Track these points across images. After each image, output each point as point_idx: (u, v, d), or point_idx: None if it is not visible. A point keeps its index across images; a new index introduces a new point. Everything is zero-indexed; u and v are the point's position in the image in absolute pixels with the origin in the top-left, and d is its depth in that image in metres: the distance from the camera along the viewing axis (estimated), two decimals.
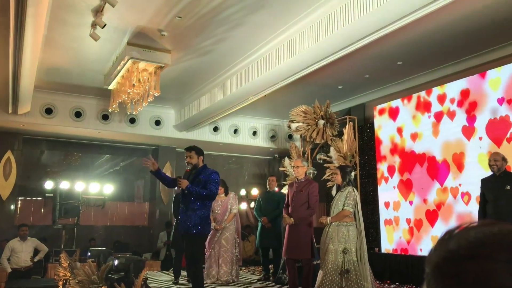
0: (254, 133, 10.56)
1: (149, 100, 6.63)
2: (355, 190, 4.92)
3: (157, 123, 9.69)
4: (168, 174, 10.49)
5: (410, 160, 7.17)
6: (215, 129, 10.16)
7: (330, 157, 7.42)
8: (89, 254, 6.68)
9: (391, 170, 7.53)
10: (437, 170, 6.68)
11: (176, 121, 9.72)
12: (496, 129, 5.87)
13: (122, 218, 11.05)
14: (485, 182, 4.95)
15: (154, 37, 6.11)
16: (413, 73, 7.40)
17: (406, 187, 7.19)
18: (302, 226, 5.09)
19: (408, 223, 7.06)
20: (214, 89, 7.90)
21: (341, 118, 7.82)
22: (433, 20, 5.23)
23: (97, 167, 12.17)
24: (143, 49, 6.23)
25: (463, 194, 6.23)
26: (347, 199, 4.80)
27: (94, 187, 9.55)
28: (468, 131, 6.24)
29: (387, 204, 7.52)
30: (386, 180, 7.60)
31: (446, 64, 6.96)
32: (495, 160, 4.81)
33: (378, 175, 7.76)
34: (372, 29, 4.72)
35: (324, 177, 7.25)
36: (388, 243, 7.43)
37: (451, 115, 6.52)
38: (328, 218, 4.84)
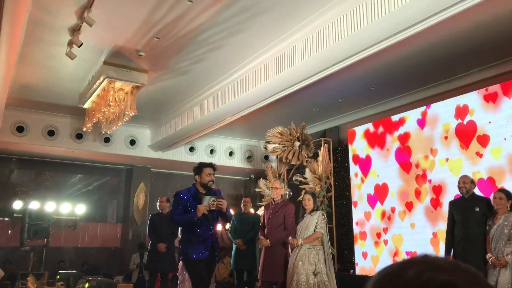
0: (231, 153, 10.57)
1: (125, 120, 6.57)
2: (324, 214, 5.14)
3: (132, 142, 9.58)
4: (142, 194, 10.37)
5: (379, 187, 7.29)
6: (191, 149, 10.11)
7: (305, 178, 7.48)
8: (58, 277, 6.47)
9: (365, 197, 7.61)
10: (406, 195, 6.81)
11: (152, 141, 9.64)
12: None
13: (94, 239, 10.76)
14: (453, 204, 5.08)
15: (131, 57, 6.10)
16: (386, 97, 7.59)
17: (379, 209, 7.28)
18: (278, 247, 5.09)
19: (385, 244, 7.13)
20: (191, 109, 7.91)
21: (317, 140, 7.94)
22: (406, 46, 5.40)
23: (70, 186, 11.89)
24: (120, 69, 6.20)
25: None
26: (319, 222, 4.97)
27: (66, 207, 9.30)
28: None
29: (361, 225, 7.59)
30: (361, 202, 7.68)
31: (418, 89, 7.16)
32: (464, 182, 4.95)
33: (353, 197, 7.83)
34: (347, 54, 4.85)
35: (299, 199, 7.28)
36: (364, 264, 7.47)
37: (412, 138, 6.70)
38: (300, 240, 4.92)
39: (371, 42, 4.54)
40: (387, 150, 7.27)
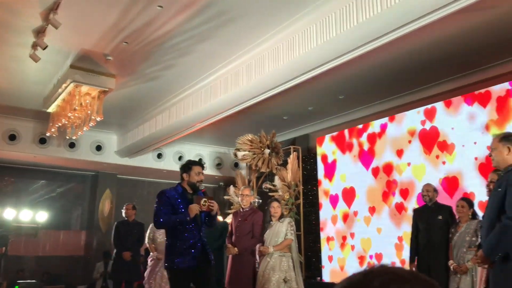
0: (200, 160, 10.48)
1: (90, 125, 6.42)
2: (292, 221, 5.17)
3: (98, 148, 9.37)
4: (108, 201, 10.13)
5: (347, 192, 7.39)
6: (159, 155, 9.97)
7: (275, 186, 7.50)
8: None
9: (332, 200, 7.70)
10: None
11: (119, 147, 9.45)
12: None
13: (56, 248, 10.41)
14: (417, 212, 5.20)
15: (99, 61, 5.98)
16: (354, 106, 7.72)
17: (347, 217, 7.37)
18: (246, 256, 5.06)
19: (352, 248, 7.21)
20: (160, 115, 7.80)
21: (286, 148, 7.98)
22: (374, 57, 5.51)
23: (31, 193, 11.46)
24: (87, 73, 6.06)
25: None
26: (289, 229, 4.96)
27: (26, 214, 8.98)
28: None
29: (328, 229, 7.66)
30: (328, 206, 7.75)
31: (386, 99, 7.32)
32: (428, 191, 5.08)
33: (320, 201, 7.89)
34: (316, 64, 4.91)
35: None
36: (330, 268, 7.53)
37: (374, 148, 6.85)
38: (271, 248, 4.90)
39: (340, 52, 4.62)
40: (354, 156, 7.37)
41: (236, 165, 10.68)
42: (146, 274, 6.30)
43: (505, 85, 5.48)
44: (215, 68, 6.24)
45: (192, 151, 10.39)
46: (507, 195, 2.58)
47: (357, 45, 4.41)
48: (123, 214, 6.84)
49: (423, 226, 4.99)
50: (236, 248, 5.03)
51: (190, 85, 6.83)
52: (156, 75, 6.50)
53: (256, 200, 7.55)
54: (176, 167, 10.11)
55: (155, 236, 6.31)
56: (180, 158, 10.18)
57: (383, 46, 4.47)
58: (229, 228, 5.42)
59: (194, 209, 3.63)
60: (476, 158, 5.68)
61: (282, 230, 5.00)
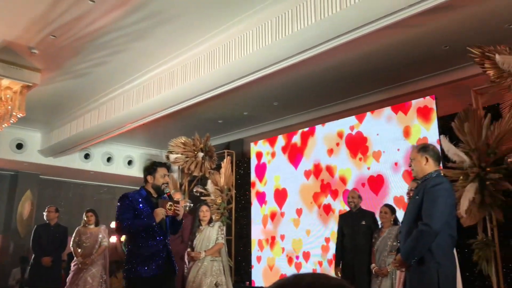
0: (130, 162, 10.16)
1: (11, 121, 5.99)
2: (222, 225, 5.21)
3: (19, 146, 8.77)
4: (28, 203, 9.52)
5: (278, 195, 7.53)
6: (86, 156, 9.53)
7: (207, 190, 7.45)
8: None
9: (263, 201, 7.79)
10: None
11: (42, 146, 8.91)
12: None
13: None
14: (342, 217, 5.42)
15: (23, 54, 5.61)
16: (288, 113, 7.89)
17: (276, 222, 7.49)
18: (175, 261, 4.96)
19: (282, 248, 7.33)
20: (88, 114, 7.47)
21: (220, 152, 7.96)
22: (308, 66, 5.67)
23: None
24: (9, 66, 5.68)
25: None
26: (219, 233, 4.93)
27: None
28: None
29: (258, 230, 7.73)
30: (259, 206, 7.83)
31: (318, 107, 7.56)
32: (353, 197, 5.30)
33: (252, 211, 7.95)
34: (252, 69, 4.96)
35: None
36: (262, 272, 7.60)
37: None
38: (203, 253, 4.86)
39: (275, 60, 4.71)
40: (286, 158, 7.52)
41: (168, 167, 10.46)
42: (68, 279, 5.97)
43: (428, 98, 5.85)
44: (149, 67, 6.10)
45: (122, 152, 10.05)
46: (423, 202, 2.76)
47: (292, 54, 4.52)
48: (45, 217, 6.45)
49: (348, 231, 5.19)
50: None
51: (122, 84, 6.62)
52: (85, 71, 6.21)
53: (188, 204, 7.44)
54: (104, 168, 9.74)
55: (81, 240, 6.02)
56: (108, 159, 9.81)
57: (317, 56, 4.62)
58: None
59: (160, 213, 3.40)
60: (396, 163, 6.01)
61: (213, 235, 4.97)
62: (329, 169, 6.87)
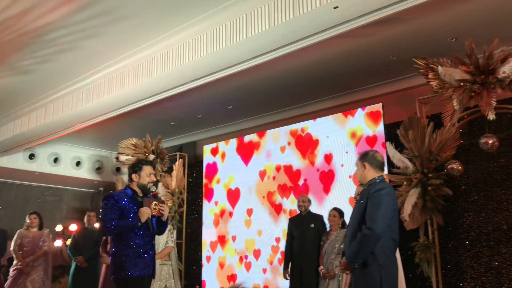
0: (78, 163, 9.82)
1: None
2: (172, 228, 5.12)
3: None
4: None
5: (231, 195, 7.54)
6: (31, 156, 9.11)
7: (158, 193, 7.33)
8: None
9: (215, 202, 7.77)
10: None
11: None
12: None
13: None
14: (292, 220, 5.51)
15: None
16: (242, 117, 7.92)
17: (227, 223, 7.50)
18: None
19: (233, 248, 7.33)
20: (34, 112, 7.15)
21: (172, 154, 7.86)
22: (262, 71, 5.73)
23: None
24: None
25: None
26: (169, 237, 4.89)
27: None
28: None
29: (210, 230, 7.71)
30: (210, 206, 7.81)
31: (272, 112, 7.64)
32: (303, 201, 5.41)
33: (204, 213, 7.91)
34: (206, 72, 4.95)
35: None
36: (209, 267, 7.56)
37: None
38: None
39: (229, 63, 4.72)
40: (240, 158, 7.54)
41: (118, 169, 10.21)
42: (6, 285, 5.69)
43: (375, 106, 6.06)
44: (100, 67, 5.93)
45: (69, 153, 9.69)
46: (367, 207, 2.87)
47: (246, 58, 4.56)
48: None
49: (297, 234, 5.27)
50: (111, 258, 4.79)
51: (71, 83, 6.39)
52: (31, 68, 5.94)
53: None
54: (50, 169, 9.35)
55: (22, 243, 5.75)
56: (55, 160, 9.43)
57: (271, 61, 4.67)
58: (104, 236, 5.14)
59: (145, 213, 3.30)
60: (342, 165, 6.21)
61: (162, 238, 4.91)
62: (280, 169, 6.95)
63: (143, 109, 6.38)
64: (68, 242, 7.80)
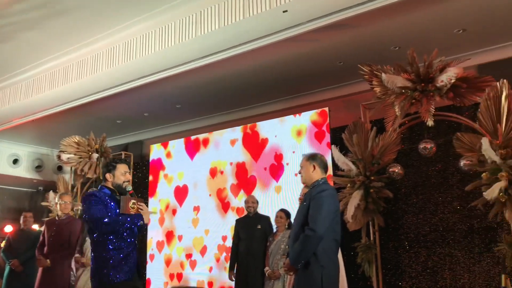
0: (15, 161, 9.30)
1: None
2: None
3: None
4: None
5: (178, 193, 7.45)
6: None
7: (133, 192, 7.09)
8: None
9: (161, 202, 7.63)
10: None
11: None
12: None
13: None
14: (239, 222, 5.51)
15: None
16: (190, 117, 7.83)
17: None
18: (60, 268, 4.64)
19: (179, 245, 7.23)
20: None
21: (117, 154, 7.64)
22: (212, 71, 5.68)
23: None
24: None
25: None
26: None
27: None
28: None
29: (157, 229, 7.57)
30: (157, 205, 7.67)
31: (222, 112, 7.61)
32: (253, 202, 5.42)
33: (149, 201, 7.73)
34: (152, 70, 4.88)
35: None
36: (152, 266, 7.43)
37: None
38: None
39: (178, 62, 4.68)
40: (187, 155, 7.44)
41: (59, 168, 9.78)
42: None
43: (322, 110, 6.18)
44: (41, 60, 5.68)
45: (6, 150, 9.17)
46: (310, 208, 2.91)
47: (195, 57, 4.53)
48: None
49: (243, 236, 5.28)
50: (48, 260, 4.58)
51: (8, 76, 6.08)
52: None
53: (80, 208, 7.04)
54: None
55: None
56: None
57: (221, 62, 4.67)
58: (41, 238, 4.89)
59: (148, 214, 3.24)
60: (287, 163, 6.30)
61: None
62: (228, 168, 6.93)
63: (88, 106, 6.17)
64: (3, 244, 7.38)
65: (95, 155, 6.82)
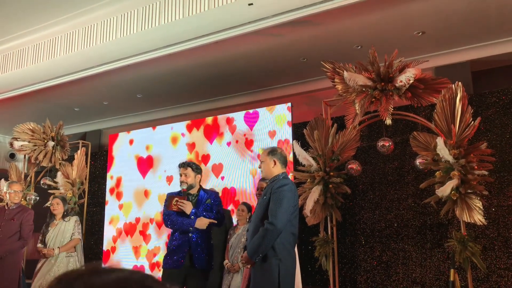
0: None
1: None
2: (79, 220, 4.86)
3: None
4: None
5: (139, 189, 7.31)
6: None
7: (56, 182, 6.85)
8: None
9: (118, 196, 7.47)
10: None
11: None
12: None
13: None
14: None
15: None
16: (151, 107, 7.69)
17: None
18: (11, 259, 4.46)
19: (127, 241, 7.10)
20: None
21: (74, 142, 7.39)
22: (174, 62, 5.59)
23: None
24: None
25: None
26: (76, 228, 4.71)
27: None
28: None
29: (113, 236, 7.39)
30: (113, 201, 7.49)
31: (183, 104, 7.50)
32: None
33: (107, 205, 7.56)
34: (112, 58, 4.76)
35: (46, 204, 6.60)
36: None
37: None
38: (57, 249, 4.50)
39: (139, 50, 4.58)
40: (147, 155, 7.31)
41: (12, 156, 9.38)
42: None
43: (284, 105, 6.22)
44: None
45: None
46: (270, 202, 2.93)
47: (157, 46, 4.44)
48: None
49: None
50: None
51: None
52: None
53: (33, 197, 6.78)
54: None
55: None
56: None
57: (184, 52, 4.59)
58: None
59: (203, 223, 3.62)
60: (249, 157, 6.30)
61: (68, 229, 4.67)
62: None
63: (44, 91, 5.94)
64: None
65: (51, 143, 6.57)
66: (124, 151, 7.57)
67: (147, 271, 6.82)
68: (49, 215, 4.72)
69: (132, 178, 7.40)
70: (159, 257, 6.81)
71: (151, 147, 7.30)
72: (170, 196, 3.70)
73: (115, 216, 7.45)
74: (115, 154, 7.69)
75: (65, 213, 4.79)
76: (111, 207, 7.52)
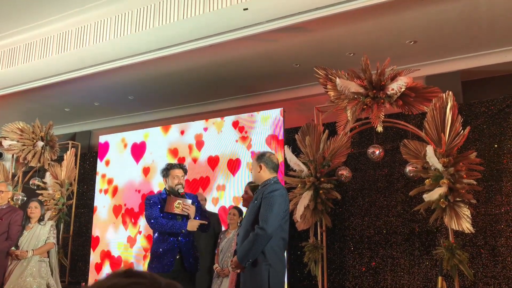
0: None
1: None
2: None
3: None
4: None
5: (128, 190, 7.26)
6: None
7: (45, 183, 6.79)
8: None
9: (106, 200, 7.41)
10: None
11: None
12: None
13: None
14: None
15: None
16: (142, 109, 7.66)
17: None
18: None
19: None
20: None
21: (64, 143, 7.34)
22: (167, 65, 5.58)
23: None
24: None
25: None
26: (51, 233, 4.69)
27: None
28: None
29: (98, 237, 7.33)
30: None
31: (173, 107, 7.49)
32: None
33: (95, 200, 7.48)
34: (105, 59, 4.75)
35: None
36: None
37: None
38: (31, 252, 4.45)
39: (132, 52, 4.58)
40: (131, 154, 7.26)
41: (0, 155, 9.27)
42: None
43: (277, 110, 6.23)
44: None
45: None
46: (261, 207, 2.93)
47: (151, 49, 4.44)
48: None
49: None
50: None
51: None
52: None
53: (20, 197, 6.70)
54: None
55: None
56: None
57: (177, 56, 4.59)
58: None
59: (194, 225, 3.60)
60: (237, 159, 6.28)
61: (43, 233, 4.63)
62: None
63: (34, 91, 5.90)
64: None
65: (40, 143, 6.52)
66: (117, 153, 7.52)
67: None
68: (25, 217, 4.67)
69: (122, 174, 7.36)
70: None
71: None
72: (170, 198, 3.61)
73: (104, 215, 7.40)
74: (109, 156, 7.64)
75: (41, 217, 4.76)
76: (100, 207, 7.47)
